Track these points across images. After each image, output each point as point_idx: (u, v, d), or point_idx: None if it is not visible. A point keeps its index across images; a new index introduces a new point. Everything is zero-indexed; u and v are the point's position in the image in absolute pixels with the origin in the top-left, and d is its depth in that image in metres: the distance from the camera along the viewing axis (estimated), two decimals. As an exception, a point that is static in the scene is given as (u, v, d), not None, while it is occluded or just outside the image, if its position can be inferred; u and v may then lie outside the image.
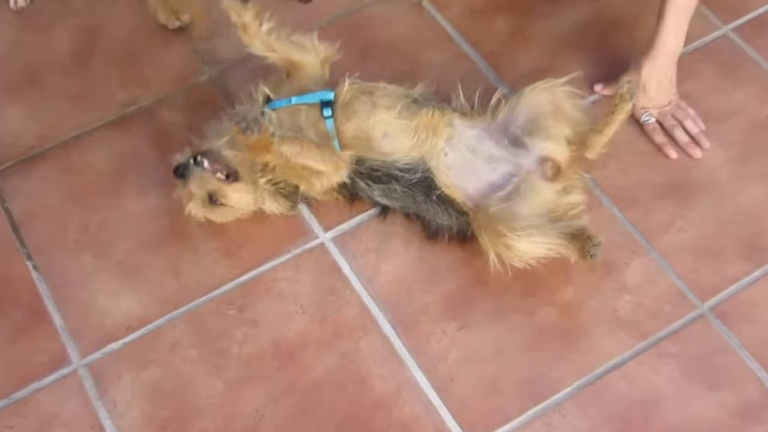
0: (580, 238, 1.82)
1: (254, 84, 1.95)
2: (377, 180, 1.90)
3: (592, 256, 1.80)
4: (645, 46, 2.03)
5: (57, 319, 1.88)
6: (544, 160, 1.90)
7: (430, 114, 1.89)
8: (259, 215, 1.96)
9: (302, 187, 1.91)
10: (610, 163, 2.03)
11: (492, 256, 1.84)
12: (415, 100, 1.91)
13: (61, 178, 2.02)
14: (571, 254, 1.83)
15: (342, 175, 1.89)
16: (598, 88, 2.13)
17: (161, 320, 1.87)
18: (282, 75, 1.98)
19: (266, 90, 1.92)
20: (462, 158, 1.89)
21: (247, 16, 1.90)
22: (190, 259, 1.94)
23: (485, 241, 1.84)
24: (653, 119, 2.07)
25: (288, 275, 1.92)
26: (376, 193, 1.92)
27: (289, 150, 1.82)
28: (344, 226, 1.98)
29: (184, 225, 1.96)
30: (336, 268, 1.93)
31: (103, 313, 1.88)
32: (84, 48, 2.26)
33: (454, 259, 1.93)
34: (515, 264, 1.83)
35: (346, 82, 1.91)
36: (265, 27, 1.92)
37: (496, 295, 1.88)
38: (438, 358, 1.82)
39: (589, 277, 1.89)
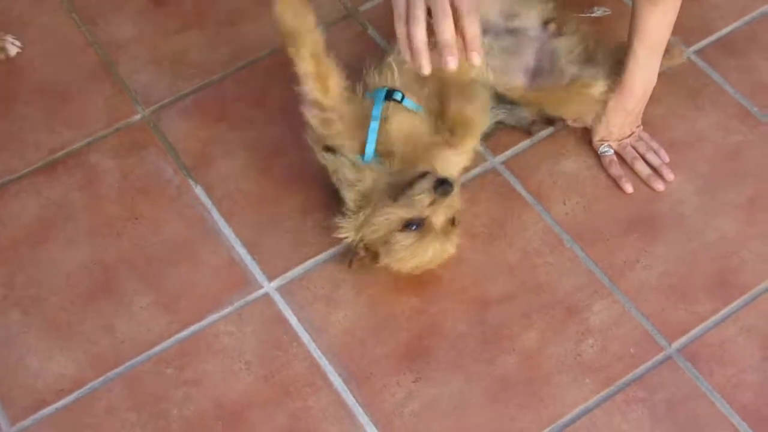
0: None
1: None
2: None
3: None
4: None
5: (-17, 383, 1.76)
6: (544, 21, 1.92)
7: None
8: (196, 263, 1.86)
9: None
10: (571, 198, 1.94)
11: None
12: None
13: (-16, 231, 1.89)
14: None
15: None
16: None
17: (95, 382, 1.75)
18: None
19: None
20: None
21: None
22: (125, 314, 1.82)
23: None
24: (612, 151, 1.96)
25: (230, 329, 1.80)
26: None
27: None
28: (290, 274, 1.86)
29: (116, 278, 1.85)
30: (282, 320, 1.81)
31: (34, 375, 1.75)
32: (5, 87, 2.11)
33: (408, 308, 1.82)
34: None
35: None
36: None
37: (454, 344, 1.78)
38: (393, 412, 1.71)
39: (550, 320, 1.80)
